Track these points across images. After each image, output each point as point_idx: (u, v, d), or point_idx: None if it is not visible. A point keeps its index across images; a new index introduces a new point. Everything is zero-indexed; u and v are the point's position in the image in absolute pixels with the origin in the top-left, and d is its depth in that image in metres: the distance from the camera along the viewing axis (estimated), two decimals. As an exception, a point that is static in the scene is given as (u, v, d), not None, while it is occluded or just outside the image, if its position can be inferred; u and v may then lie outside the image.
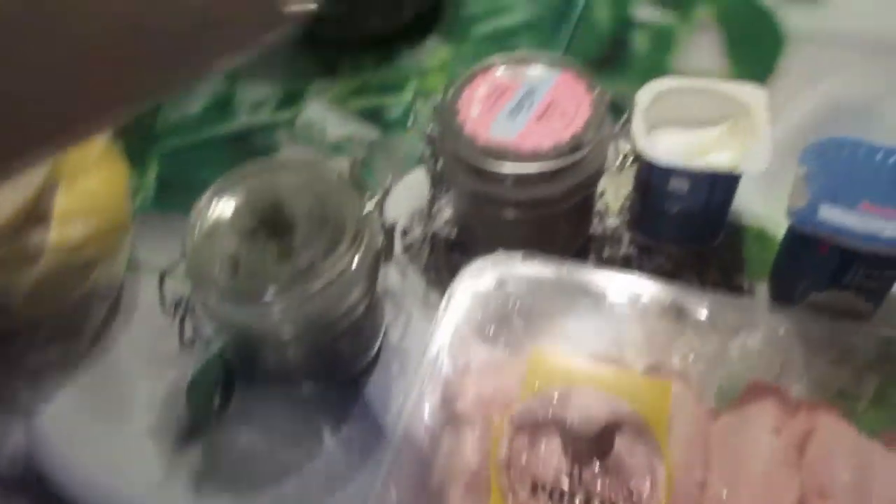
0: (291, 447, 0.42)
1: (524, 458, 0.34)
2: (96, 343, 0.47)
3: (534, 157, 0.39)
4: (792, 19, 0.59)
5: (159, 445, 0.42)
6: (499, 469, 0.34)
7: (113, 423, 0.44)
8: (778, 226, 0.47)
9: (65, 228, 0.42)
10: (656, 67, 0.58)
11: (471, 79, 0.43)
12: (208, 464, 0.42)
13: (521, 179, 0.40)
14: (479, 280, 0.39)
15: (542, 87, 0.41)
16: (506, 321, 0.39)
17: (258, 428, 0.43)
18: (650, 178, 0.43)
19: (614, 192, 0.50)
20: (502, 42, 0.62)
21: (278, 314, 0.37)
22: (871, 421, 0.35)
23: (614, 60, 0.59)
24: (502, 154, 0.39)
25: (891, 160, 0.39)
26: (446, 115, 0.42)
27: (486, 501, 0.33)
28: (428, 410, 0.36)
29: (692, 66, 0.57)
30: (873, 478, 0.33)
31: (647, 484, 0.33)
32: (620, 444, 0.34)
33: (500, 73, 0.43)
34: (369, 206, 0.40)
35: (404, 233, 0.51)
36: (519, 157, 0.39)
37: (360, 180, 0.41)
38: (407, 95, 0.59)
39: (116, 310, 0.49)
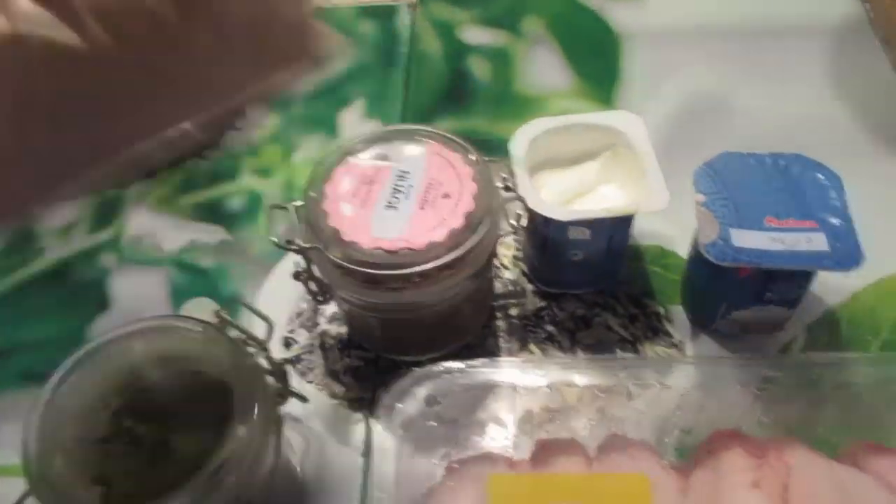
0: None
1: None
2: None
3: (430, 250, 0.34)
4: (620, 20, 0.58)
5: None
6: None
7: None
8: (671, 239, 0.46)
9: None
10: (503, 92, 0.55)
11: (328, 175, 0.37)
12: None
13: (420, 277, 0.35)
14: (404, 404, 0.34)
15: (415, 168, 0.36)
16: (447, 440, 0.34)
17: None
18: (547, 231, 0.40)
19: (502, 244, 0.47)
20: (333, 94, 0.56)
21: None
22: (832, 439, 0.34)
23: (460, 93, 0.55)
24: (395, 256, 0.34)
25: (781, 164, 0.38)
26: (314, 220, 0.35)
27: None
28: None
29: (539, 84, 0.55)
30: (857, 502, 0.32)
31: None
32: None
33: (360, 160, 0.37)
34: (253, 354, 0.33)
35: (287, 343, 0.45)
36: (414, 255, 0.34)
37: (232, 324, 0.34)
38: (244, 180, 0.52)
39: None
